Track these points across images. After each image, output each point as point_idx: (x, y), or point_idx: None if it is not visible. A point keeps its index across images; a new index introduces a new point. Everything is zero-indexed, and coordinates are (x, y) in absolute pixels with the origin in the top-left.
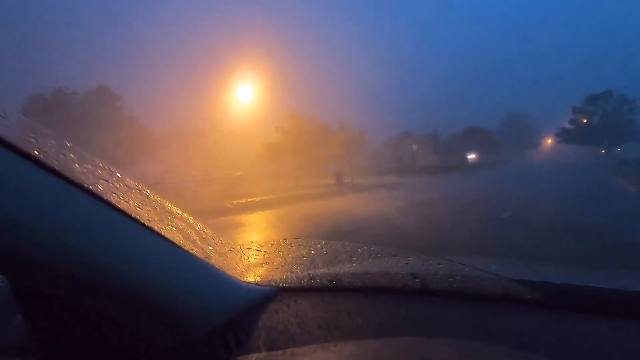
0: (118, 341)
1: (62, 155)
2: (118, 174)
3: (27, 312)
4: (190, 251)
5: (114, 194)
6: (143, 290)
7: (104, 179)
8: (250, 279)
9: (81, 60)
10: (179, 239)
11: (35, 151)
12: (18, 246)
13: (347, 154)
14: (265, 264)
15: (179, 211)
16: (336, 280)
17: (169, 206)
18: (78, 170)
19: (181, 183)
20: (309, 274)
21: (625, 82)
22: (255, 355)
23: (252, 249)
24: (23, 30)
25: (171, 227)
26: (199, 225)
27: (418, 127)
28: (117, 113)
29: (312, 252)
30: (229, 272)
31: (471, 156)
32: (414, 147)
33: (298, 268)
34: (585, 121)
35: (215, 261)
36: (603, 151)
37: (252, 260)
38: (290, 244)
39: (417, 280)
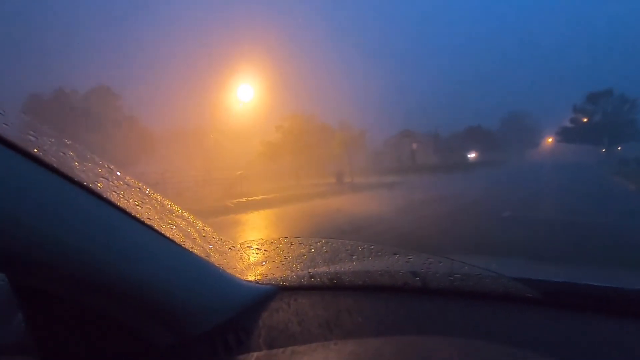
0: (118, 340)
1: (61, 153)
2: (118, 172)
3: (27, 312)
4: (190, 250)
5: (113, 192)
6: (143, 289)
7: (103, 177)
8: (251, 277)
9: (81, 60)
10: (178, 238)
11: (35, 149)
12: (18, 245)
13: (347, 153)
14: (266, 262)
15: (178, 209)
16: (336, 279)
17: (169, 204)
18: (78, 168)
19: (181, 182)
20: (310, 272)
21: (625, 81)
22: (255, 354)
23: (252, 247)
24: (23, 29)
25: (171, 226)
26: (199, 224)
27: (418, 126)
28: (117, 113)
29: (313, 250)
30: (229, 271)
31: (471, 155)
32: (414, 146)
33: (298, 267)
34: (585, 120)
35: (216, 260)
36: (603, 150)
37: (252, 258)
38: (291, 242)
39: (418, 278)
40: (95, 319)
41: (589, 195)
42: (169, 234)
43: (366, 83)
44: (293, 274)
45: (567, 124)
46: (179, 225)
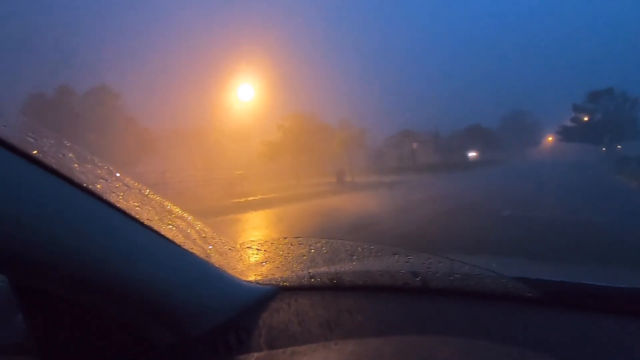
0: (118, 340)
1: (61, 155)
2: (117, 174)
3: (27, 312)
4: (191, 250)
5: (113, 193)
6: (143, 290)
7: (103, 178)
8: (251, 277)
9: (81, 60)
10: (178, 238)
11: (34, 150)
12: (18, 245)
13: (347, 152)
14: (266, 262)
15: (178, 210)
16: (337, 279)
17: (169, 205)
18: (77, 169)
19: (182, 182)
20: (310, 272)
21: (626, 80)
22: (256, 354)
23: (252, 247)
24: (23, 29)
25: (171, 226)
26: (198, 224)
27: (419, 125)
28: (117, 112)
29: (313, 250)
30: (230, 271)
31: (472, 154)
32: (415, 145)
33: (298, 267)
34: (586, 119)
35: (216, 260)
36: (604, 149)
37: (252, 259)
38: (291, 242)
39: (418, 278)
40: (96, 319)
41: (589, 194)
42: (169, 235)
43: (366, 82)
44: (293, 274)
45: (568, 122)
46: (179, 226)
